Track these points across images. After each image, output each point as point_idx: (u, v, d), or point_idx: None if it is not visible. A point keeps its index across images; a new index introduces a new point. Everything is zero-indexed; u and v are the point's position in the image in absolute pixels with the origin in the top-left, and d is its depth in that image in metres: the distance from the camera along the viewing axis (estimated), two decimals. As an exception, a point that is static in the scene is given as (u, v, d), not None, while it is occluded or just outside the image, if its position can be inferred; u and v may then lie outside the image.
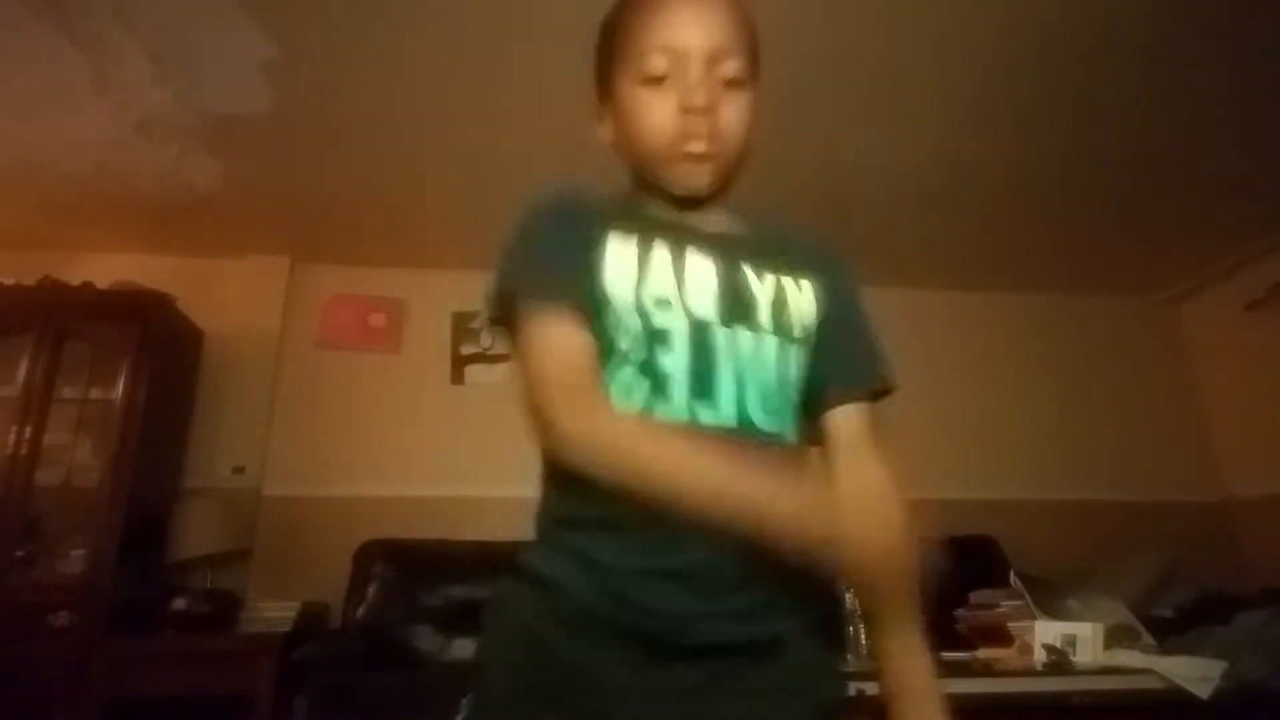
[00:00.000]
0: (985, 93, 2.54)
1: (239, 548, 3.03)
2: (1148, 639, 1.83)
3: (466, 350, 3.56)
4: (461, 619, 2.80)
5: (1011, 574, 2.05)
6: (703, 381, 0.76)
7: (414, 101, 2.54)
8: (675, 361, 0.77)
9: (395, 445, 3.38)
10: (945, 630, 2.12)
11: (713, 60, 0.81)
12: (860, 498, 0.86)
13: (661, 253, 0.81)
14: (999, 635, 1.88)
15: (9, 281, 2.98)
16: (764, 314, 0.82)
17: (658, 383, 0.76)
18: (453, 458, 3.33)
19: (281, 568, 3.12)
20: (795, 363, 0.84)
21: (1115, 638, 1.79)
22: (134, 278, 3.14)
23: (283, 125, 2.63)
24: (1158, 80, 2.48)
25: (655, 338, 0.77)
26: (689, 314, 0.78)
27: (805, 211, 3.13)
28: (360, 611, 2.87)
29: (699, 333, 0.78)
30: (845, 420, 0.88)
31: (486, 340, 3.54)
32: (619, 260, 0.80)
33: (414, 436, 3.38)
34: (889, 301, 4.24)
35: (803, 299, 0.87)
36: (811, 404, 0.87)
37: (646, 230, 0.83)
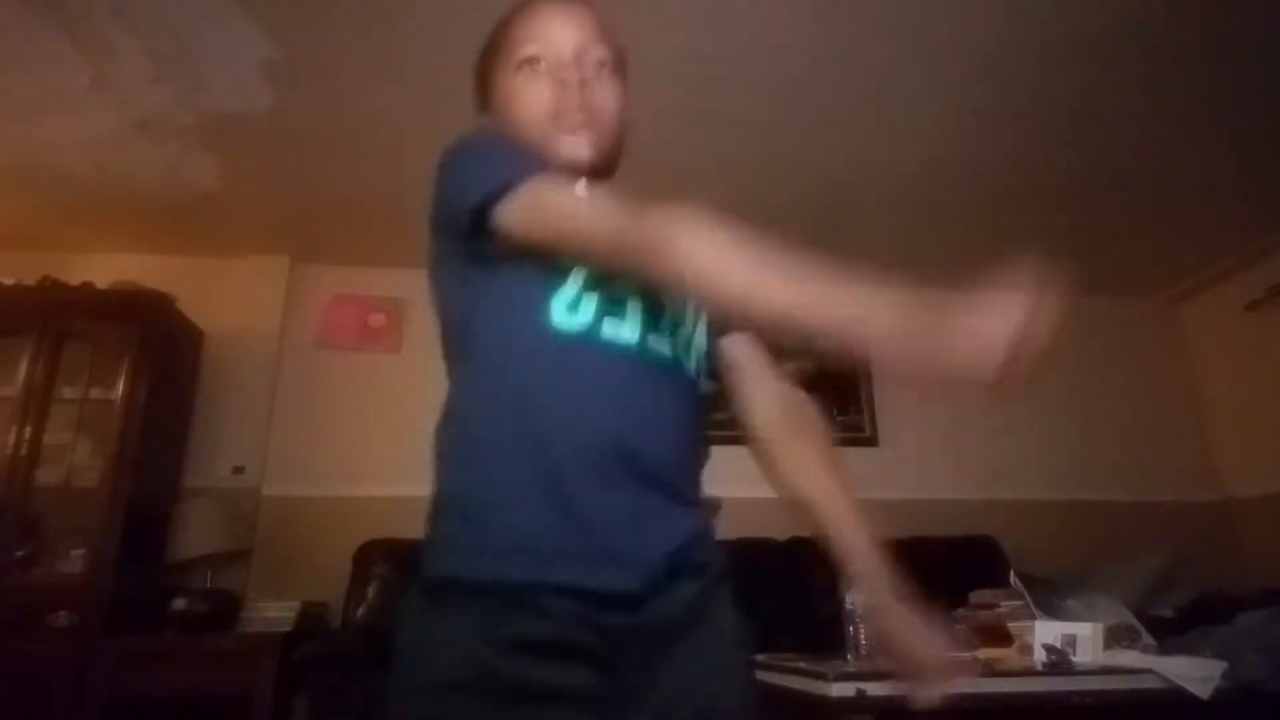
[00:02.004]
0: (985, 93, 2.54)
1: (239, 548, 3.03)
2: (1148, 639, 1.83)
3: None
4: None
5: (1011, 574, 2.05)
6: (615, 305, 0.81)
7: (414, 101, 2.54)
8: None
9: (395, 445, 3.36)
10: (945, 630, 2.12)
11: (583, 48, 0.87)
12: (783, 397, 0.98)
13: None
14: (999, 635, 1.88)
15: (9, 281, 2.98)
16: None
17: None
18: (453, 458, 3.33)
19: (281, 568, 3.12)
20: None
21: (1115, 638, 1.79)
22: (134, 278, 3.14)
23: (283, 125, 2.63)
24: (1158, 81, 2.48)
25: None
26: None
27: (805, 211, 3.15)
28: (360, 611, 2.87)
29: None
30: (738, 345, 0.95)
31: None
32: None
33: (414, 436, 3.35)
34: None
35: None
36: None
37: None
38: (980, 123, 2.69)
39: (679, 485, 0.80)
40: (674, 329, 0.84)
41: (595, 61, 0.87)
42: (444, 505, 0.79)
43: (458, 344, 0.84)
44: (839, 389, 3.78)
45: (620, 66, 0.91)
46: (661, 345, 0.82)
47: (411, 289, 3.59)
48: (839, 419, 3.74)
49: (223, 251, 3.46)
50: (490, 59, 0.94)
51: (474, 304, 0.82)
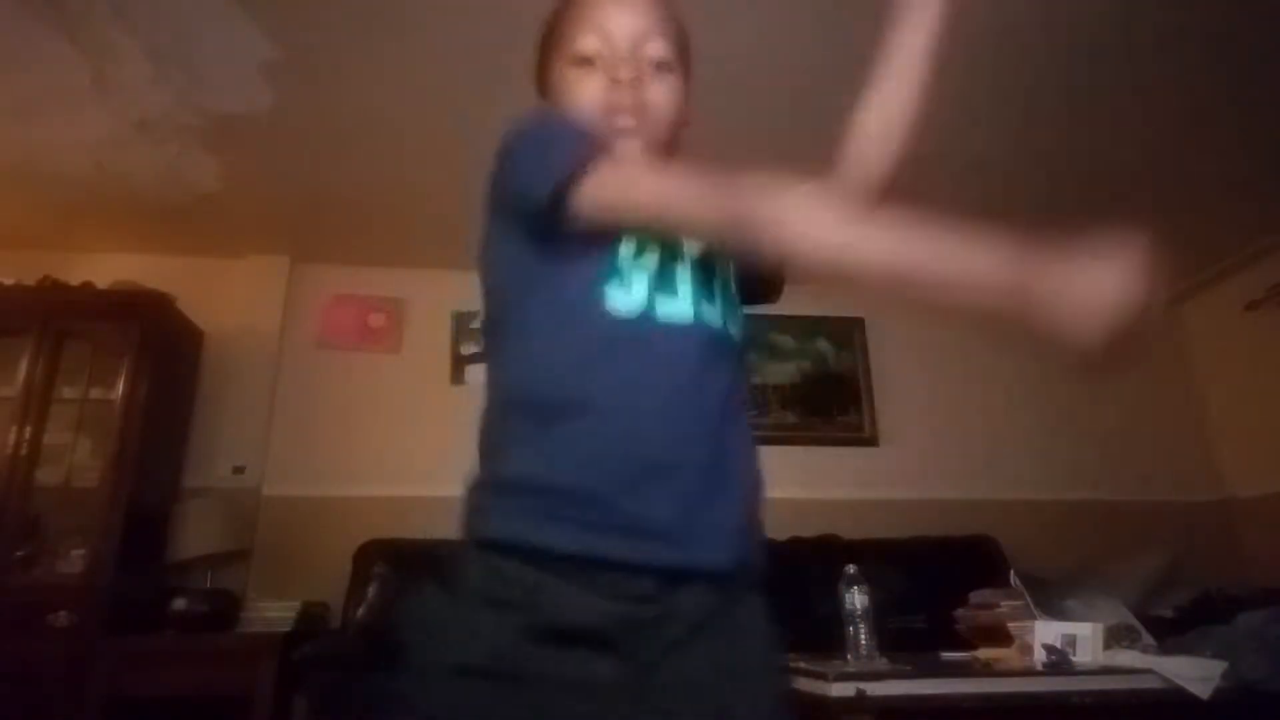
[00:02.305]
0: (984, 94, 2.54)
1: (239, 548, 3.03)
2: (1148, 639, 1.83)
3: (466, 350, 3.56)
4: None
5: (1011, 574, 2.05)
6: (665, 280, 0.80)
7: (414, 101, 2.54)
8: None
9: (395, 445, 3.37)
10: (945, 630, 2.12)
11: (640, 41, 0.85)
12: None
13: None
14: (999, 635, 1.88)
15: (9, 281, 2.98)
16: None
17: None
18: (453, 458, 3.29)
19: (281, 568, 3.12)
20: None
21: (1115, 638, 1.79)
22: (134, 278, 3.14)
23: (283, 125, 2.63)
24: (1157, 80, 2.48)
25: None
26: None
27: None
28: (360, 611, 2.86)
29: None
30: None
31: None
32: None
33: (414, 436, 3.37)
34: (889, 302, 4.23)
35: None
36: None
37: None
38: (979, 123, 2.69)
39: (726, 475, 0.76)
40: (724, 290, 0.84)
41: (652, 58, 0.85)
42: (487, 481, 0.81)
43: (509, 326, 0.82)
44: (839, 389, 3.78)
45: (682, 60, 0.89)
46: (713, 313, 0.80)
47: (411, 289, 3.60)
48: (839, 419, 3.74)
49: (223, 251, 3.46)
50: (548, 46, 0.91)
51: (528, 285, 0.80)
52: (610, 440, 0.72)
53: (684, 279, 0.80)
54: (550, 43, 0.91)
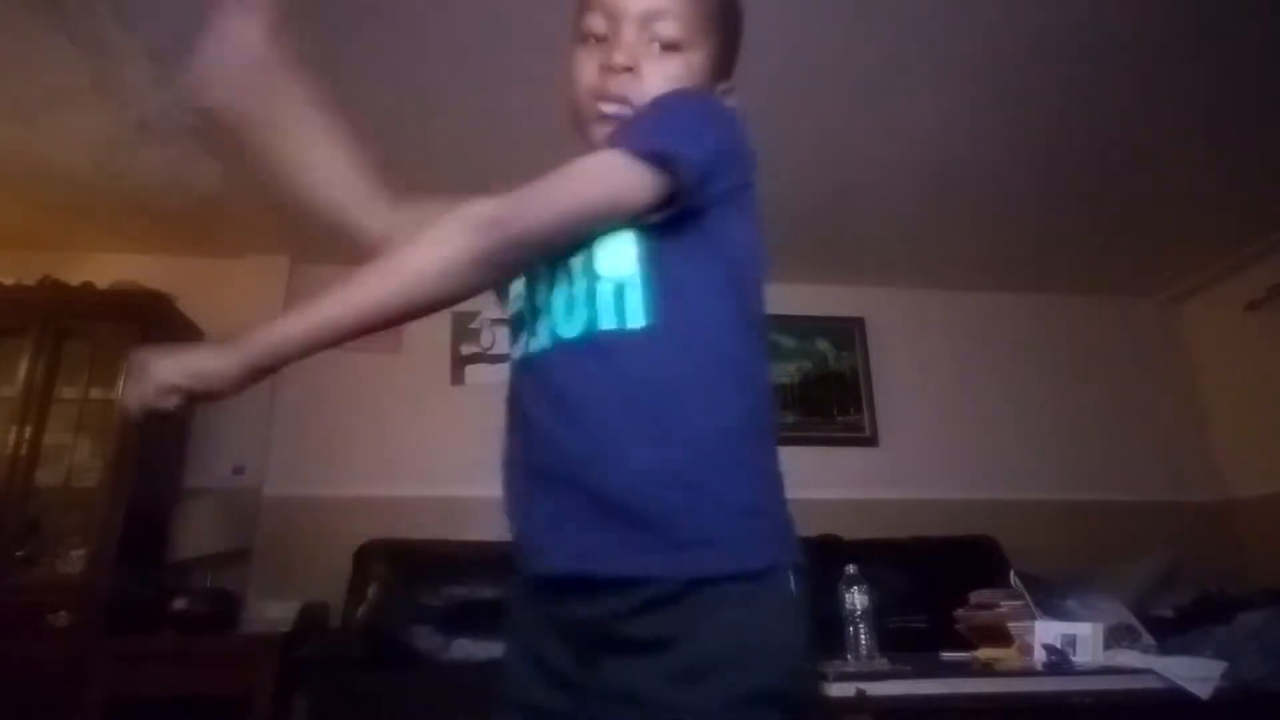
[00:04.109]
0: (984, 93, 2.54)
1: (239, 548, 3.03)
2: (1148, 639, 1.83)
3: (466, 350, 3.56)
4: (461, 619, 2.80)
5: (1011, 574, 2.04)
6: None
7: (414, 101, 2.54)
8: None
9: (395, 445, 3.37)
10: (945, 630, 2.12)
11: (646, 21, 0.81)
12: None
13: None
14: (999, 635, 1.88)
15: (9, 281, 2.98)
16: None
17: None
18: (453, 458, 3.32)
19: (281, 568, 3.12)
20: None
21: (1115, 638, 1.79)
22: (134, 278, 3.14)
23: (283, 125, 2.63)
24: (1157, 80, 2.48)
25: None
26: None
27: (806, 212, 3.14)
28: (360, 611, 2.87)
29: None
30: None
31: (486, 340, 3.54)
32: None
33: (414, 436, 3.38)
34: (889, 302, 4.27)
35: None
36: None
37: None
38: (979, 122, 2.69)
39: (607, 491, 0.72)
40: (588, 288, 0.76)
41: (660, 38, 0.81)
42: None
43: None
44: (839, 389, 3.78)
45: (706, 32, 0.83)
46: (573, 322, 0.76)
47: (411, 289, 3.60)
48: (839, 419, 3.74)
49: (223, 251, 3.46)
50: (573, 18, 0.88)
51: None
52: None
53: (539, 306, 0.80)
54: (573, 17, 0.88)
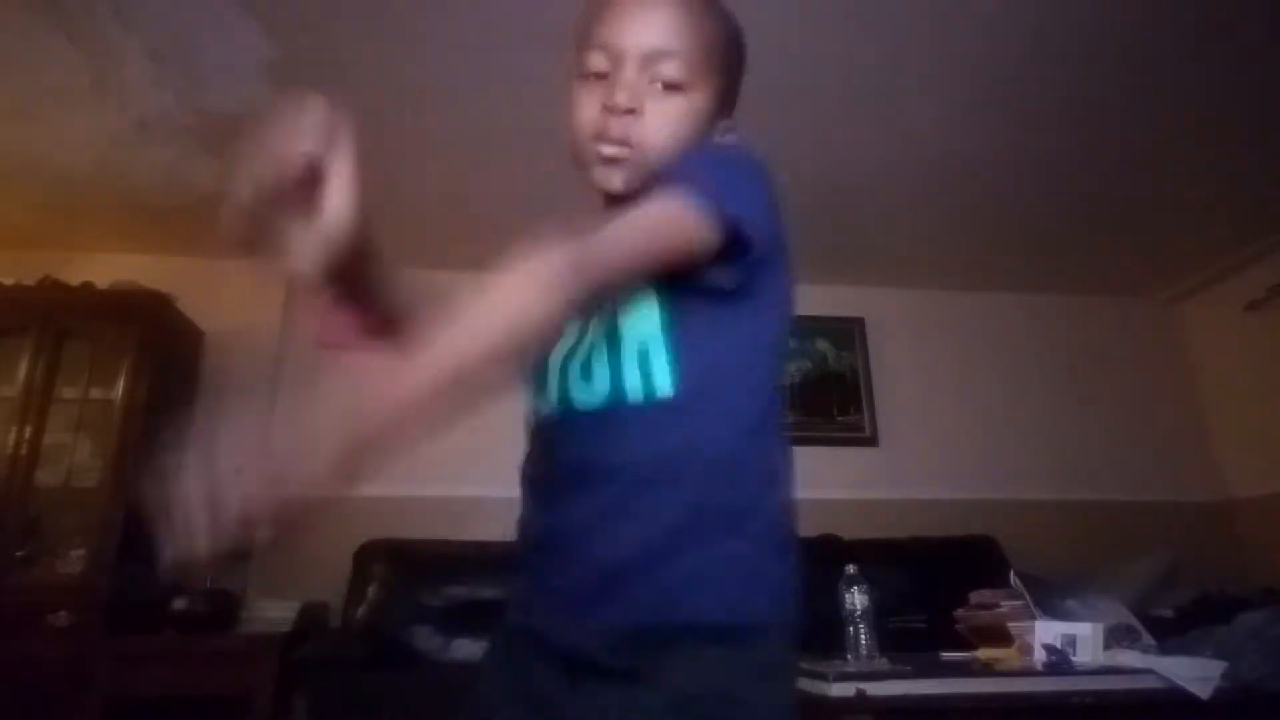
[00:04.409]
0: (983, 93, 2.54)
1: (239, 548, 3.02)
2: (1148, 639, 1.83)
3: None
4: (461, 619, 2.80)
5: (1011, 574, 2.04)
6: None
7: (414, 102, 2.54)
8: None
9: (395, 445, 3.37)
10: (945, 630, 2.12)
11: (649, 61, 0.79)
12: None
13: None
14: (999, 635, 1.88)
15: (9, 281, 2.98)
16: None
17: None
18: (453, 458, 3.30)
19: (281, 568, 3.11)
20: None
21: (1115, 638, 1.79)
22: (134, 278, 3.14)
23: (283, 125, 2.63)
24: (1157, 80, 2.48)
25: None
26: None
27: (805, 213, 3.14)
28: (360, 611, 2.87)
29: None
30: None
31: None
32: None
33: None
34: (889, 302, 4.26)
35: None
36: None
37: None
38: (980, 122, 2.69)
39: (564, 550, 0.75)
40: (610, 352, 0.75)
41: (662, 78, 0.79)
42: None
43: None
44: (839, 389, 3.78)
45: (701, 74, 0.81)
46: (592, 389, 0.75)
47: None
48: (839, 419, 3.74)
49: (223, 251, 3.46)
50: (573, 54, 0.86)
51: None
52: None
53: (556, 368, 0.80)
54: (574, 54, 0.86)
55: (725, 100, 0.86)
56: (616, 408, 0.74)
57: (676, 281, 0.73)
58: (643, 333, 0.75)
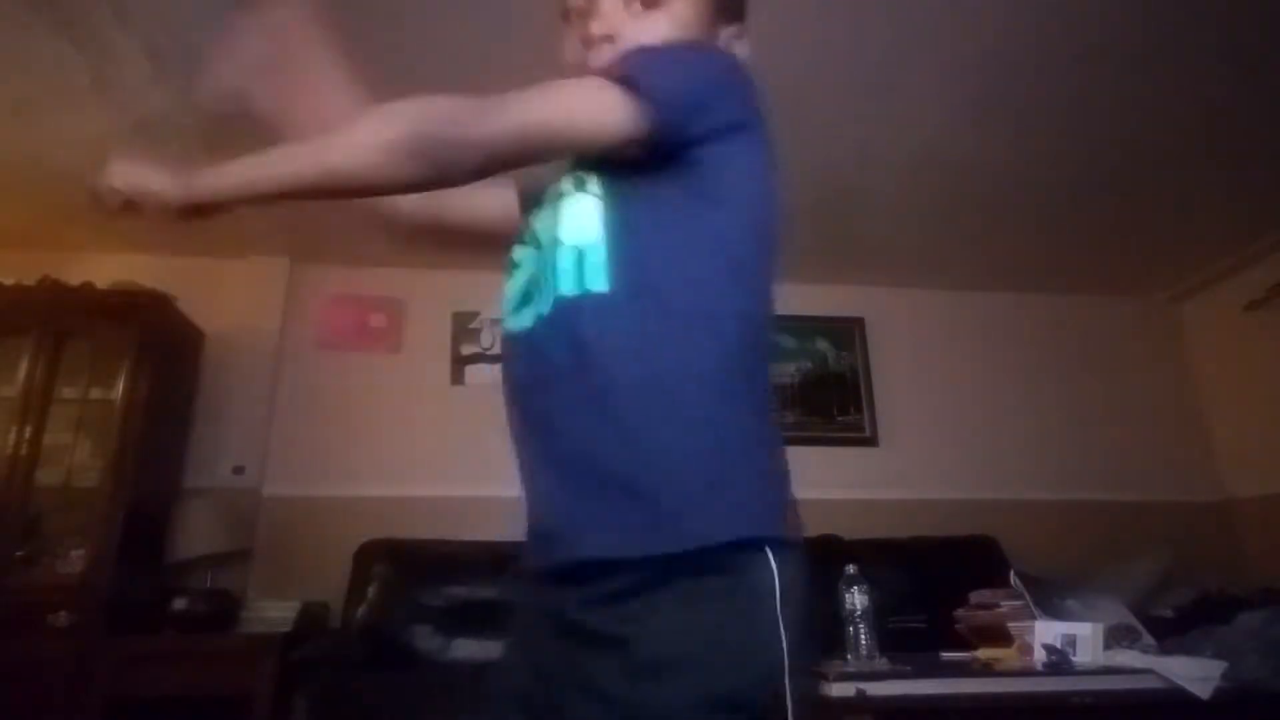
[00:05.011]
0: (984, 93, 2.54)
1: (239, 548, 3.03)
2: (1148, 639, 1.83)
3: (466, 350, 3.56)
4: (461, 619, 2.80)
5: (1011, 574, 2.04)
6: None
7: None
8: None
9: (395, 445, 3.38)
10: (945, 630, 2.12)
11: None
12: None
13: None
14: (999, 635, 1.88)
15: (9, 281, 2.98)
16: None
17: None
18: (453, 458, 3.33)
19: (281, 568, 3.12)
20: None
21: (1115, 638, 1.79)
22: (134, 278, 3.14)
23: (283, 125, 2.63)
24: (1157, 80, 2.48)
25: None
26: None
27: (806, 212, 3.14)
28: (360, 611, 2.87)
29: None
30: None
31: (486, 340, 3.54)
32: None
33: (414, 436, 3.38)
34: (889, 302, 4.26)
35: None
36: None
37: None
38: (981, 120, 2.69)
39: (544, 452, 0.74)
40: (550, 260, 0.75)
41: (639, 2, 0.79)
42: None
43: None
44: (839, 389, 3.78)
45: None
46: (544, 296, 0.75)
47: (411, 289, 3.60)
48: (839, 419, 3.74)
49: (223, 251, 3.46)
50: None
51: None
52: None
53: (516, 272, 0.80)
54: None
55: (720, 4, 0.84)
56: (557, 309, 0.73)
57: (615, 176, 0.73)
58: (580, 231, 0.74)
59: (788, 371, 3.74)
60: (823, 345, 3.82)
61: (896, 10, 2.20)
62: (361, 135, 0.71)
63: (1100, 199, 3.19)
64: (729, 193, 0.74)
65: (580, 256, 0.73)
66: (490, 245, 0.90)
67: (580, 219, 0.74)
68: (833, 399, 3.76)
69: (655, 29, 0.78)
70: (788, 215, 0.79)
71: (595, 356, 0.70)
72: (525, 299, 0.78)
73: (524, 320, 0.77)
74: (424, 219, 0.92)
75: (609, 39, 0.78)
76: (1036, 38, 2.30)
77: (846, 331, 3.85)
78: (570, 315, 0.72)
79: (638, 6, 0.79)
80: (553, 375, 0.72)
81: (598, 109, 0.69)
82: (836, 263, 3.66)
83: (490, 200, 0.91)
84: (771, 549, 0.66)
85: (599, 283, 0.71)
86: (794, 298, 3.71)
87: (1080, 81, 2.49)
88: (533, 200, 0.85)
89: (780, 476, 0.73)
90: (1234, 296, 3.72)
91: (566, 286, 0.72)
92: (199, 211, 0.77)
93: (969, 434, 3.75)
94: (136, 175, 0.79)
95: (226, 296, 3.42)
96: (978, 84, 2.50)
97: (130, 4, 2.12)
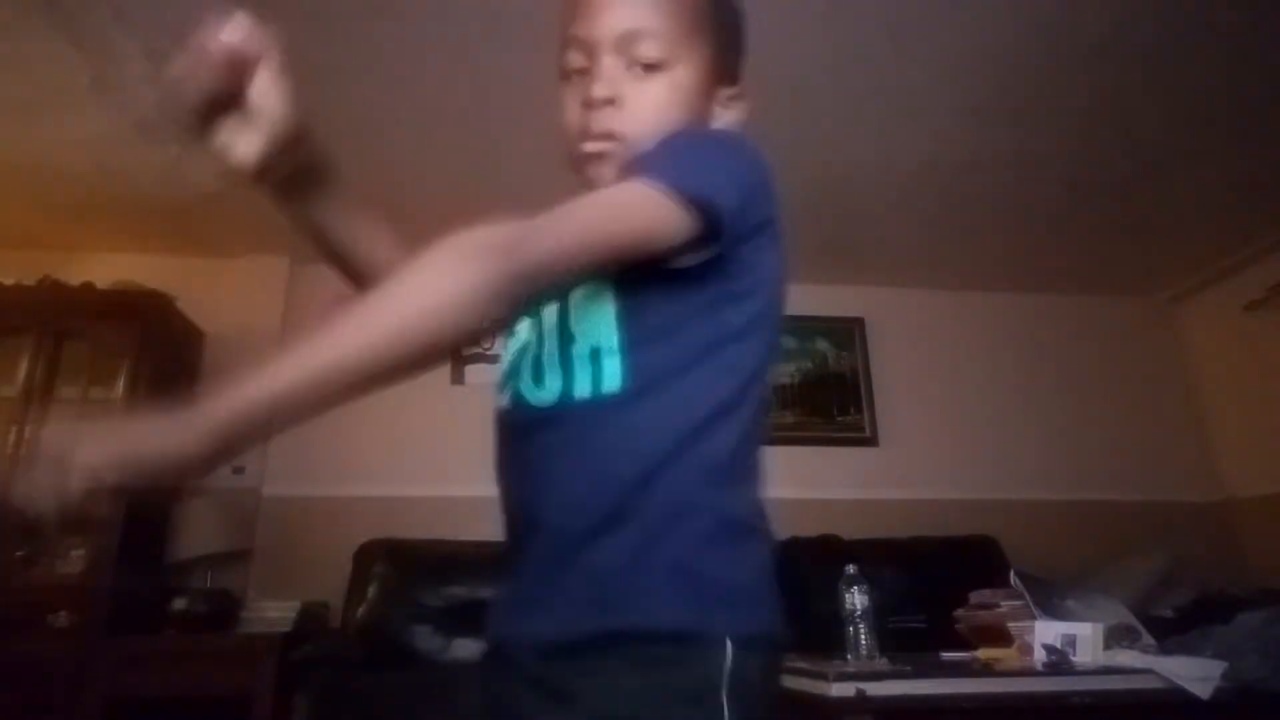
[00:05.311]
0: (985, 93, 2.54)
1: (239, 548, 3.03)
2: (1148, 639, 1.84)
3: (466, 350, 3.56)
4: (461, 619, 2.80)
5: (1011, 574, 2.04)
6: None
7: (413, 101, 2.54)
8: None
9: (395, 445, 3.37)
10: (945, 630, 2.12)
11: (623, 45, 0.76)
12: None
13: None
14: (999, 635, 1.88)
15: (9, 281, 2.98)
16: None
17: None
18: (453, 458, 3.31)
19: (281, 568, 3.12)
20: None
21: (1115, 638, 1.79)
22: (134, 278, 3.14)
23: (283, 125, 2.63)
24: (1158, 81, 2.48)
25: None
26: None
27: (805, 212, 3.14)
28: (360, 611, 2.87)
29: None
30: None
31: (486, 341, 3.53)
32: None
33: (414, 436, 3.38)
34: (889, 302, 4.26)
35: None
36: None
37: None
38: (981, 123, 2.69)
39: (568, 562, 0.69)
40: (562, 351, 0.73)
41: (636, 62, 0.76)
42: None
43: None
44: (839, 389, 3.78)
45: (682, 48, 0.77)
46: (541, 390, 0.73)
47: (411, 289, 3.60)
48: (839, 419, 3.74)
49: (223, 251, 3.46)
50: (557, 57, 0.83)
51: None
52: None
53: (519, 361, 0.78)
54: (558, 50, 0.83)
55: (719, 69, 0.82)
56: (564, 407, 0.71)
57: (635, 273, 0.70)
58: (596, 330, 0.72)
59: (788, 371, 3.74)
60: (823, 345, 3.82)
61: (897, 10, 2.20)
62: (432, 290, 0.59)
63: (1100, 199, 3.19)
64: (751, 288, 0.74)
65: (597, 355, 0.71)
66: None
67: (594, 309, 0.73)
68: (833, 399, 3.76)
69: (657, 95, 0.77)
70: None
71: (606, 465, 0.69)
72: (516, 372, 0.77)
73: (505, 400, 0.78)
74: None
75: (610, 102, 0.76)
76: (1037, 39, 2.30)
77: (846, 331, 3.85)
78: (578, 419, 0.71)
79: (640, 70, 0.77)
80: (552, 465, 0.72)
81: (652, 218, 0.66)
82: (836, 263, 3.66)
83: None
84: (734, 643, 0.65)
85: (614, 384, 0.70)
86: (794, 298, 3.67)
87: (1081, 83, 2.49)
88: None
89: (770, 567, 0.73)
90: (1234, 296, 3.72)
91: (581, 388, 0.71)
92: (233, 452, 0.58)
93: (969, 434, 3.75)
94: (122, 446, 0.56)
95: (226, 296, 3.42)
96: (978, 85, 2.50)
97: (130, 4, 2.12)
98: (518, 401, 0.75)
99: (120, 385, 2.88)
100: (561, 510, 0.69)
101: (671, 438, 0.69)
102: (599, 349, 0.71)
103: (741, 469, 0.73)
